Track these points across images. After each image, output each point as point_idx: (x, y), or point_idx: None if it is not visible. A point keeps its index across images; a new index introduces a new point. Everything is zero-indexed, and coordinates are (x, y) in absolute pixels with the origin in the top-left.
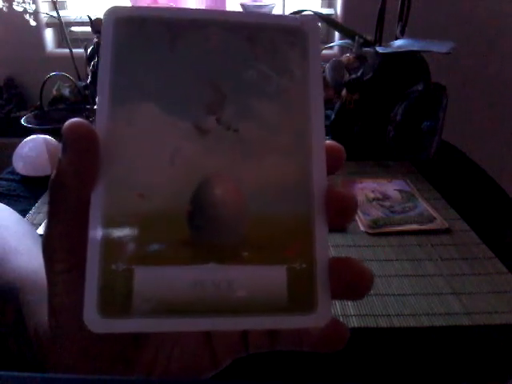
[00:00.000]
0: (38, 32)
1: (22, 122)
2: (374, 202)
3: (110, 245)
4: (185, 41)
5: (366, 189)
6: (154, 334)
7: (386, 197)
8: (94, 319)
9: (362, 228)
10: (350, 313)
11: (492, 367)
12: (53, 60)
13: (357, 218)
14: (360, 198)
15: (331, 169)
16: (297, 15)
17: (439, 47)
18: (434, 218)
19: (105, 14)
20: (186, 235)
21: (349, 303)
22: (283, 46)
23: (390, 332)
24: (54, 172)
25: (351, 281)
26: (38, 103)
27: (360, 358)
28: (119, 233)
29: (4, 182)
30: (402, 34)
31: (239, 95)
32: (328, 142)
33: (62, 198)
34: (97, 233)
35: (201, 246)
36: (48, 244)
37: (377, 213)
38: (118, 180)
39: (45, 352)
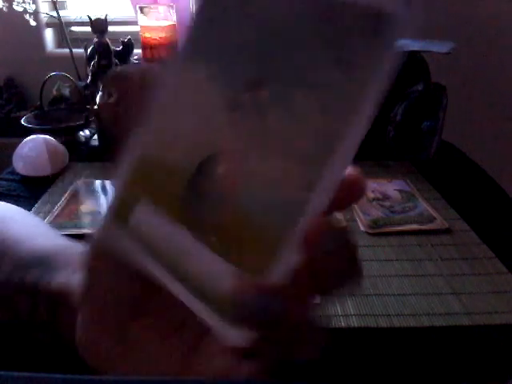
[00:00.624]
0: (38, 32)
1: (22, 122)
2: (374, 202)
3: (134, 173)
4: (251, 8)
5: None
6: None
7: (385, 197)
8: (107, 228)
9: (362, 228)
10: (350, 313)
11: (492, 367)
12: (53, 60)
13: (357, 217)
14: None
15: (345, 203)
16: None
17: (439, 47)
18: (434, 218)
19: None
20: (183, 194)
21: (349, 303)
22: (357, 31)
23: (390, 332)
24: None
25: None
26: (38, 103)
27: (360, 357)
28: (143, 168)
29: (4, 182)
30: None
31: (283, 78)
32: (352, 173)
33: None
34: (130, 160)
35: (187, 209)
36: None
37: (377, 213)
38: (155, 127)
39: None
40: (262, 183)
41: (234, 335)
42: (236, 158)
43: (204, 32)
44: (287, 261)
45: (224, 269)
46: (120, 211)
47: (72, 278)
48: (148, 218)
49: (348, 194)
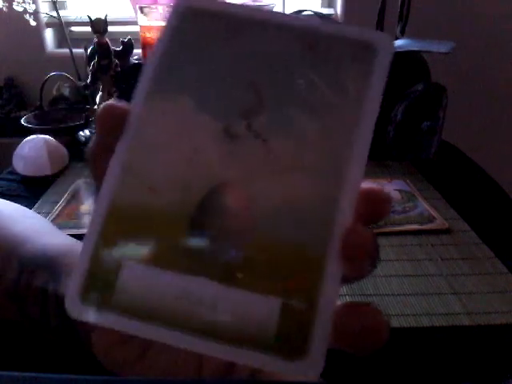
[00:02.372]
0: (38, 32)
1: (22, 122)
2: None
3: (107, 232)
4: (238, 39)
5: None
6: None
7: None
8: (73, 302)
9: None
10: None
11: (492, 367)
12: (53, 60)
13: None
14: None
15: (374, 217)
16: (373, 30)
17: (439, 47)
18: (434, 218)
19: (174, 3)
20: (184, 241)
21: None
22: (345, 59)
23: (390, 332)
24: (89, 151)
25: (360, 334)
26: (38, 103)
27: (360, 357)
28: (119, 223)
29: (4, 182)
30: (402, 34)
31: (279, 103)
32: (377, 188)
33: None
34: (98, 217)
35: (196, 255)
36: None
37: None
38: (133, 167)
39: None
40: (278, 205)
41: (312, 362)
42: (244, 186)
43: (179, 61)
44: (334, 275)
45: (268, 303)
46: (95, 283)
47: None
48: (144, 282)
49: (372, 208)
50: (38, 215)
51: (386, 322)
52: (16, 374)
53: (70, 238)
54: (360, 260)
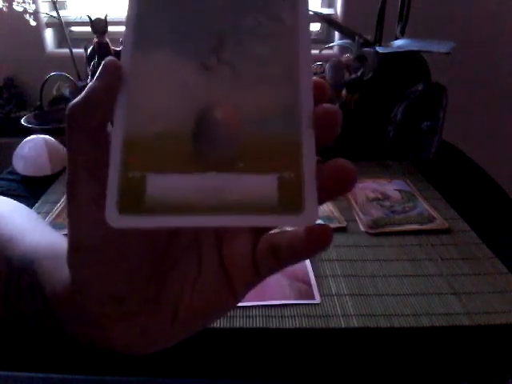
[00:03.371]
0: (38, 32)
1: (22, 122)
2: (374, 202)
3: (127, 155)
4: None
5: (366, 189)
6: (176, 263)
7: (386, 197)
8: (114, 216)
9: (362, 228)
10: (350, 313)
11: (492, 367)
12: (53, 60)
13: (357, 218)
14: (360, 198)
15: (325, 133)
16: None
17: (439, 47)
18: (434, 218)
19: None
20: (191, 150)
21: (349, 303)
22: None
23: (390, 332)
24: (84, 95)
25: (337, 179)
26: (38, 103)
27: (360, 357)
28: (135, 148)
29: (4, 182)
30: (402, 34)
31: (236, 38)
32: (324, 105)
33: (85, 122)
34: (117, 146)
35: (203, 158)
36: (73, 177)
37: (377, 213)
38: (136, 106)
39: (64, 311)
40: (256, 109)
41: (309, 214)
42: (226, 102)
43: (151, 21)
44: (310, 148)
45: (266, 179)
46: (128, 197)
47: (58, 286)
48: (166, 187)
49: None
50: (24, 209)
51: (352, 167)
52: (16, 374)
53: (55, 234)
54: (331, 121)
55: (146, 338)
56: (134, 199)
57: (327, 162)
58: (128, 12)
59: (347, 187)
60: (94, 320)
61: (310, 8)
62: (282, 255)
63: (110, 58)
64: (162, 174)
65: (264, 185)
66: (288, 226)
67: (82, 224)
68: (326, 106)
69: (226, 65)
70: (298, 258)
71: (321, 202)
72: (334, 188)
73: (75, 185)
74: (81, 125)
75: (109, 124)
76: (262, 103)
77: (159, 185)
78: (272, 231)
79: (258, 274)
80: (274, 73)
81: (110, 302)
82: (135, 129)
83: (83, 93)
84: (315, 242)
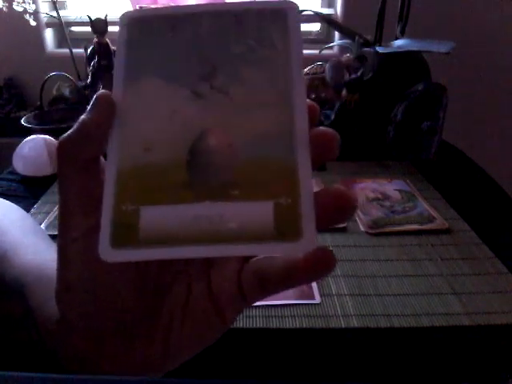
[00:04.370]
0: (38, 32)
1: (22, 122)
2: (374, 202)
3: (121, 189)
4: (182, 29)
5: (366, 189)
6: (167, 291)
7: (386, 197)
8: (107, 250)
9: (362, 228)
10: (350, 313)
11: (492, 367)
12: (53, 60)
13: (357, 218)
14: (360, 198)
15: (322, 157)
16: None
17: (439, 47)
18: (434, 218)
19: (120, 18)
20: (185, 180)
21: (349, 303)
22: (266, 23)
23: (390, 332)
24: (76, 129)
25: (336, 206)
26: (38, 103)
27: (360, 357)
28: (128, 180)
29: (4, 182)
30: (402, 34)
31: (228, 65)
32: (321, 128)
33: (76, 156)
34: (111, 180)
35: (197, 188)
36: (64, 209)
37: (377, 213)
38: (129, 137)
39: (56, 342)
40: (250, 135)
41: (307, 241)
42: (220, 129)
43: (140, 56)
44: (307, 171)
45: (262, 206)
46: (121, 231)
47: (48, 317)
48: (160, 218)
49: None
50: (26, 217)
51: (352, 195)
52: (16, 374)
53: (48, 250)
54: (328, 144)
55: (139, 368)
56: (127, 232)
57: (326, 189)
58: (118, 40)
59: (346, 215)
60: (84, 356)
61: (301, 32)
62: (270, 285)
63: (102, 91)
64: (155, 206)
65: (260, 212)
66: (286, 254)
67: (72, 262)
68: (322, 129)
69: (218, 92)
70: (289, 287)
71: (318, 229)
72: (332, 216)
73: (67, 218)
74: (72, 158)
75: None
76: (256, 129)
77: (153, 217)
78: (257, 257)
79: (244, 301)
80: (267, 98)
81: (101, 340)
82: (128, 161)
83: (75, 126)
84: (314, 269)
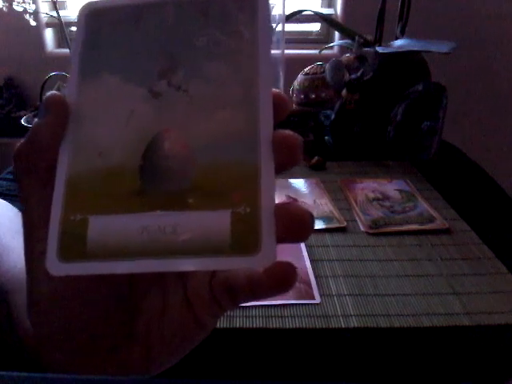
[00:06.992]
0: (38, 32)
1: (22, 122)
2: (374, 202)
3: (70, 197)
4: (143, 21)
5: (366, 189)
6: (142, 298)
7: (385, 197)
8: (53, 264)
9: (362, 228)
10: (349, 313)
11: (492, 367)
12: (53, 60)
13: (357, 218)
14: (360, 197)
15: (277, 117)
16: None
17: (439, 47)
18: (434, 218)
19: (80, 9)
20: (137, 187)
21: (349, 303)
22: (233, 11)
23: (390, 332)
24: (28, 136)
25: (292, 225)
26: (38, 103)
27: (360, 357)
28: (79, 187)
29: (4, 182)
30: (402, 34)
31: (190, 60)
32: (282, 132)
33: (32, 164)
34: (60, 187)
35: (149, 195)
36: (27, 219)
37: (377, 213)
38: (81, 141)
39: (35, 352)
40: (210, 136)
41: (266, 254)
42: (176, 131)
43: (97, 50)
44: (269, 180)
45: (219, 216)
46: (68, 243)
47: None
48: (109, 229)
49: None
50: (17, 216)
51: (308, 211)
52: (16, 374)
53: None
54: (291, 149)
55: (122, 374)
56: (75, 244)
57: (286, 204)
58: (76, 34)
59: (303, 233)
60: (63, 366)
61: (271, 17)
62: (238, 296)
63: (52, 92)
64: (105, 216)
65: (216, 222)
66: (243, 268)
67: (39, 276)
68: (285, 132)
69: (176, 90)
70: (256, 299)
71: (280, 241)
72: (289, 232)
73: (30, 231)
74: (28, 169)
75: None
76: (216, 130)
77: (102, 227)
78: None
79: (220, 308)
80: (229, 96)
81: (77, 352)
82: (79, 167)
83: (28, 133)
84: (276, 285)
